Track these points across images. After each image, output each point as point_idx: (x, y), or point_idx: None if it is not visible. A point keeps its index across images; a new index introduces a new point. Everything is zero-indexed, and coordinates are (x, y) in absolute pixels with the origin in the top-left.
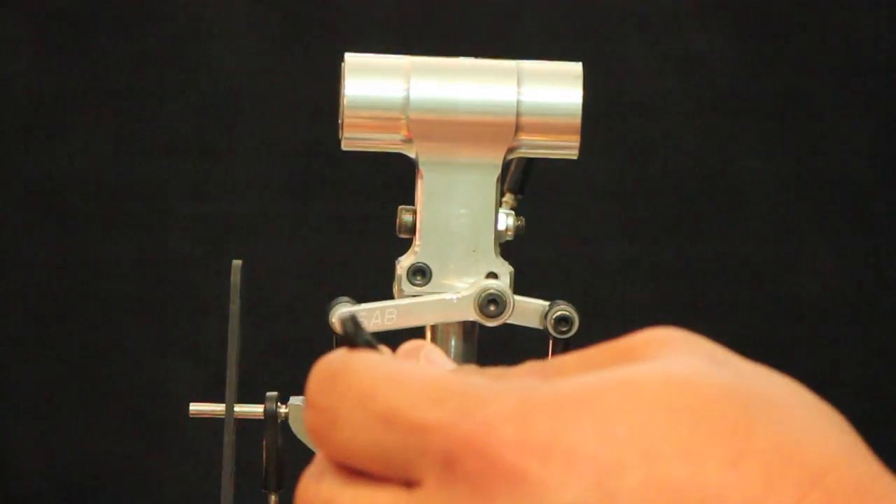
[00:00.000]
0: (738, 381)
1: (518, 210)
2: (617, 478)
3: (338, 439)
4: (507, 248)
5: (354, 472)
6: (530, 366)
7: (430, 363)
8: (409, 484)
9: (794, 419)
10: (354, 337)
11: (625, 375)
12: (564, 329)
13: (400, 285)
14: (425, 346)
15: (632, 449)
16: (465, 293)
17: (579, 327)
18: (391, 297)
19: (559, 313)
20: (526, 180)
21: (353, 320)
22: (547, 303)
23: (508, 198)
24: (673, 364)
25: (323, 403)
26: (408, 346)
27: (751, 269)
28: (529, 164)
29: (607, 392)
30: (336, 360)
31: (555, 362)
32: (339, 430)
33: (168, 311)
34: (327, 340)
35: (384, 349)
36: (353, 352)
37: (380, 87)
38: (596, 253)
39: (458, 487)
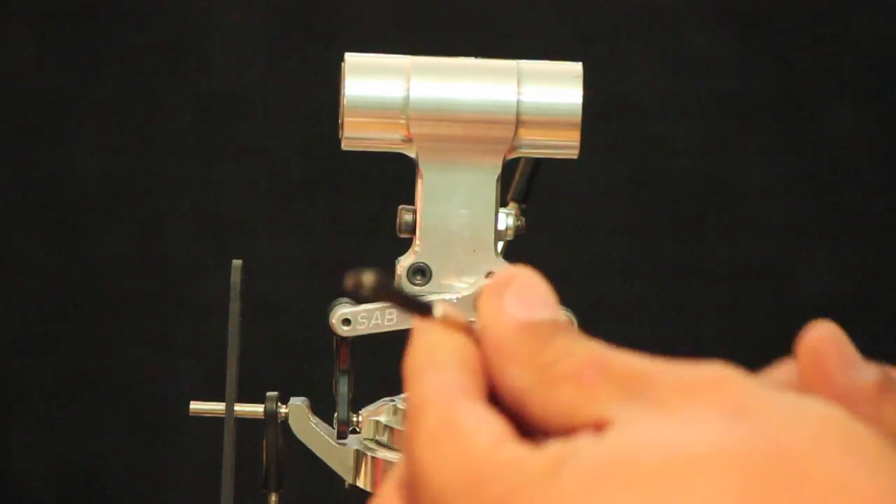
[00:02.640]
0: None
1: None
2: None
3: (550, 363)
4: (508, 248)
5: None
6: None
7: (519, 309)
8: None
9: (821, 475)
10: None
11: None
12: None
13: (400, 285)
14: (517, 280)
15: None
16: (465, 293)
17: (579, 327)
18: None
19: None
20: (530, 189)
21: (379, 281)
22: None
23: (512, 206)
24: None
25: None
26: (497, 283)
27: (751, 269)
28: (534, 173)
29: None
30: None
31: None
32: None
33: (168, 311)
34: (327, 340)
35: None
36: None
37: (380, 87)
38: (596, 253)
39: None
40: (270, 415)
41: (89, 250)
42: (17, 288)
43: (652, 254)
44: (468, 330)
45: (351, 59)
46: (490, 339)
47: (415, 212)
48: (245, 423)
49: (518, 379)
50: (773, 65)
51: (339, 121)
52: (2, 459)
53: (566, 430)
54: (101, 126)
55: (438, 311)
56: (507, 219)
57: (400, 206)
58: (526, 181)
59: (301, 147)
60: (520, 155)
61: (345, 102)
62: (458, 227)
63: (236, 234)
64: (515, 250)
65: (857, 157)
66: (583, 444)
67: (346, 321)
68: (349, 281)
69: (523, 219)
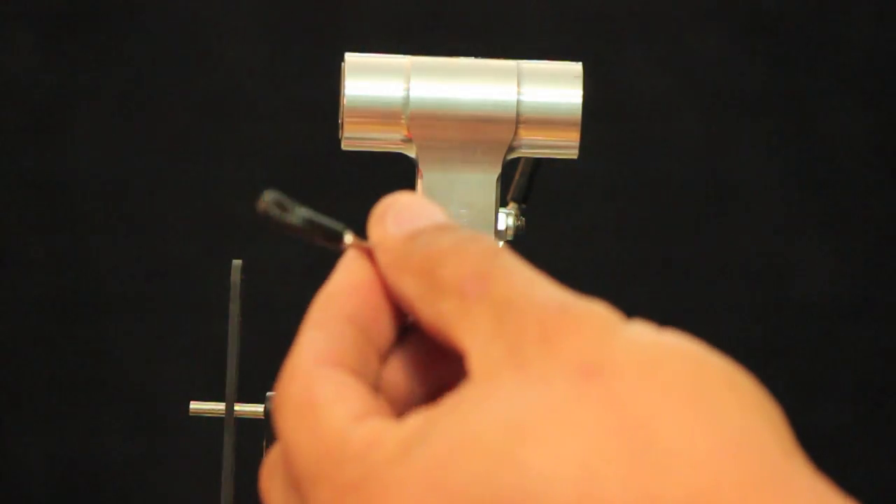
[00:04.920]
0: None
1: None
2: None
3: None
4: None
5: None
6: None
7: (401, 225)
8: None
9: (665, 437)
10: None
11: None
12: None
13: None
14: (394, 203)
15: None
16: None
17: None
18: None
19: None
20: (530, 190)
21: (278, 201)
22: None
23: (512, 207)
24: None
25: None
26: (378, 210)
27: (751, 269)
28: (534, 173)
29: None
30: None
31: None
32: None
33: (168, 311)
34: None
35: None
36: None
37: (380, 87)
38: (596, 253)
39: None
40: (270, 415)
41: (89, 250)
42: (17, 288)
43: (652, 254)
44: (373, 257)
45: (351, 59)
46: (382, 258)
47: None
48: (245, 423)
49: (410, 288)
50: (773, 65)
51: (339, 121)
52: (2, 459)
53: (445, 344)
54: (101, 126)
55: (349, 237)
56: (507, 219)
57: None
58: (526, 181)
59: (301, 147)
60: (520, 155)
61: (345, 102)
62: None
63: (236, 234)
64: (515, 250)
65: (857, 156)
66: (433, 422)
67: None
68: (259, 205)
69: (523, 219)
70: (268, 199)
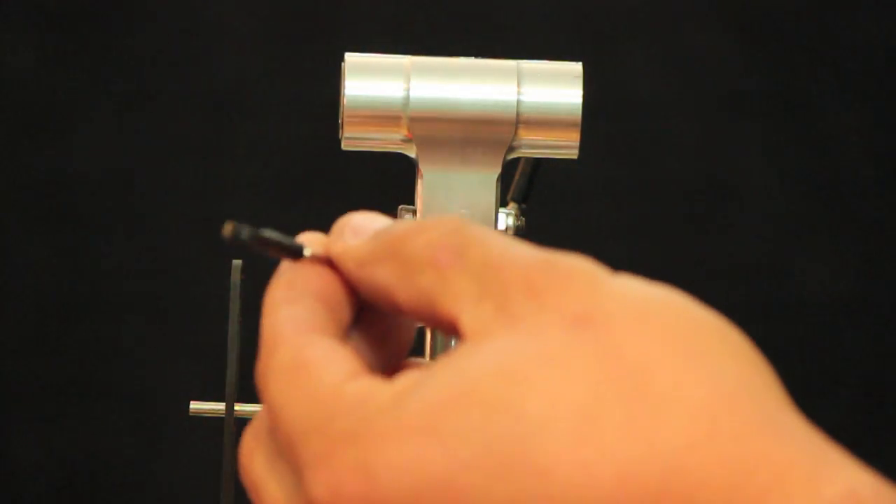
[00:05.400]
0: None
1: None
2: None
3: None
4: None
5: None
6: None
7: (360, 234)
8: None
9: (659, 384)
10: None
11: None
12: None
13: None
14: (349, 221)
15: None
16: None
17: None
18: None
19: None
20: (530, 190)
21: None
22: None
23: (512, 206)
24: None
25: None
26: (335, 229)
27: (750, 269)
28: (534, 173)
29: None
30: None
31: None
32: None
33: (168, 311)
34: None
35: (303, 238)
36: (269, 360)
37: (380, 87)
38: (596, 253)
39: None
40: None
41: (89, 250)
42: (17, 288)
43: (651, 254)
44: (333, 264)
45: (351, 59)
46: (349, 265)
47: (415, 212)
48: (245, 423)
49: (384, 276)
50: (773, 65)
51: (339, 121)
52: (2, 459)
53: (433, 320)
54: (102, 126)
55: (308, 252)
56: (507, 219)
57: (400, 207)
58: (526, 181)
59: (301, 147)
60: (520, 155)
61: (345, 102)
62: None
63: None
64: None
65: (857, 157)
66: (427, 374)
67: None
68: (224, 232)
69: (523, 219)
70: (228, 229)
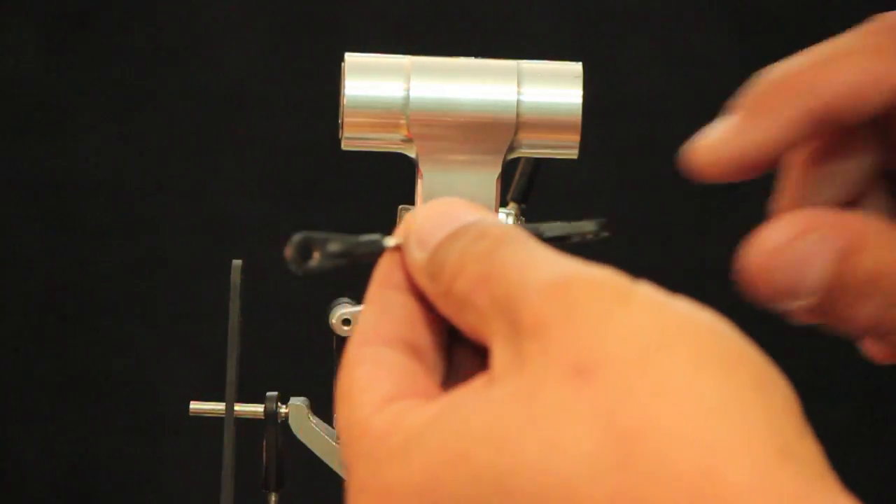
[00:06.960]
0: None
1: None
2: None
3: (447, 286)
4: None
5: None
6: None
7: (424, 247)
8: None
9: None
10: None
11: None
12: None
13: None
14: (415, 227)
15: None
16: None
17: None
18: None
19: None
20: (530, 190)
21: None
22: None
23: (512, 206)
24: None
25: (449, 250)
26: (406, 221)
27: None
28: (534, 173)
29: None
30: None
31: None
32: (452, 281)
33: (168, 311)
34: (327, 340)
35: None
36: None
37: (380, 87)
38: (595, 253)
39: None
40: (270, 415)
41: (89, 250)
42: (17, 288)
43: (651, 253)
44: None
45: (351, 59)
46: (418, 279)
47: None
48: (245, 423)
49: (442, 309)
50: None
51: (339, 121)
52: (2, 459)
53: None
54: (102, 126)
55: (390, 241)
56: (507, 219)
57: (400, 207)
58: (526, 181)
59: (301, 147)
60: (520, 155)
61: (345, 102)
62: None
63: (236, 234)
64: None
65: None
66: (439, 415)
67: (346, 321)
68: (287, 253)
69: (523, 219)
70: (292, 246)
